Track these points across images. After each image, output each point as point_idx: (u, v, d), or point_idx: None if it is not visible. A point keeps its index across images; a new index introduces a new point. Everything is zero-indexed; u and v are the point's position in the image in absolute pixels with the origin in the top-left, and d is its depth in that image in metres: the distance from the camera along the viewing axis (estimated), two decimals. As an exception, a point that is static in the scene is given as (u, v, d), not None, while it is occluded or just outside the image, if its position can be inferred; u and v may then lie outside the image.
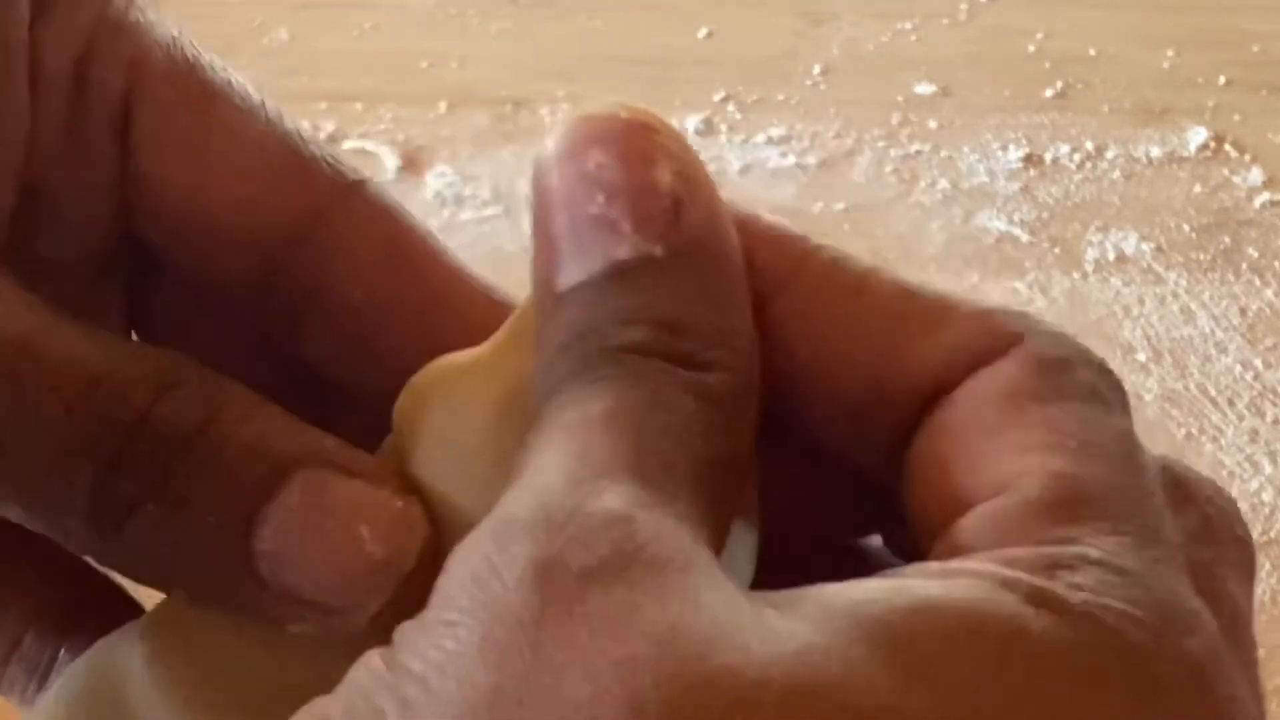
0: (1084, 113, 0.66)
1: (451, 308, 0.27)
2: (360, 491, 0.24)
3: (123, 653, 0.26)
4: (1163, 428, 0.53)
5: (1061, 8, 0.72)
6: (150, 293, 0.26)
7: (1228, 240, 0.59)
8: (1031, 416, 0.22)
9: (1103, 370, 0.22)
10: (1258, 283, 0.57)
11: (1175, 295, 0.57)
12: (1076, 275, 0.58)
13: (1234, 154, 0.63)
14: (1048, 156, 0.64)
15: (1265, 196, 0.61)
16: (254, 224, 0.27)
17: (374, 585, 0.24)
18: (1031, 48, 0.70)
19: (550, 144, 0.23)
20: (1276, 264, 0.58)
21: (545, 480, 0.20)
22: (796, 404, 0.23)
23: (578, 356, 0.22)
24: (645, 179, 0.22)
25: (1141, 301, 0.57)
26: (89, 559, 0.25)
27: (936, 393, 0.22)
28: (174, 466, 0.24)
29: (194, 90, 0.27)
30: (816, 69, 0.68)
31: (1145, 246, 0.59)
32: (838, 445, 0.23)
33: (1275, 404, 0.54)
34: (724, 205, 0.23)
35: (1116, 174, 0.63)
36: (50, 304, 0.25)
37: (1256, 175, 0.62)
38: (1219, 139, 0.64)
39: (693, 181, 0.22)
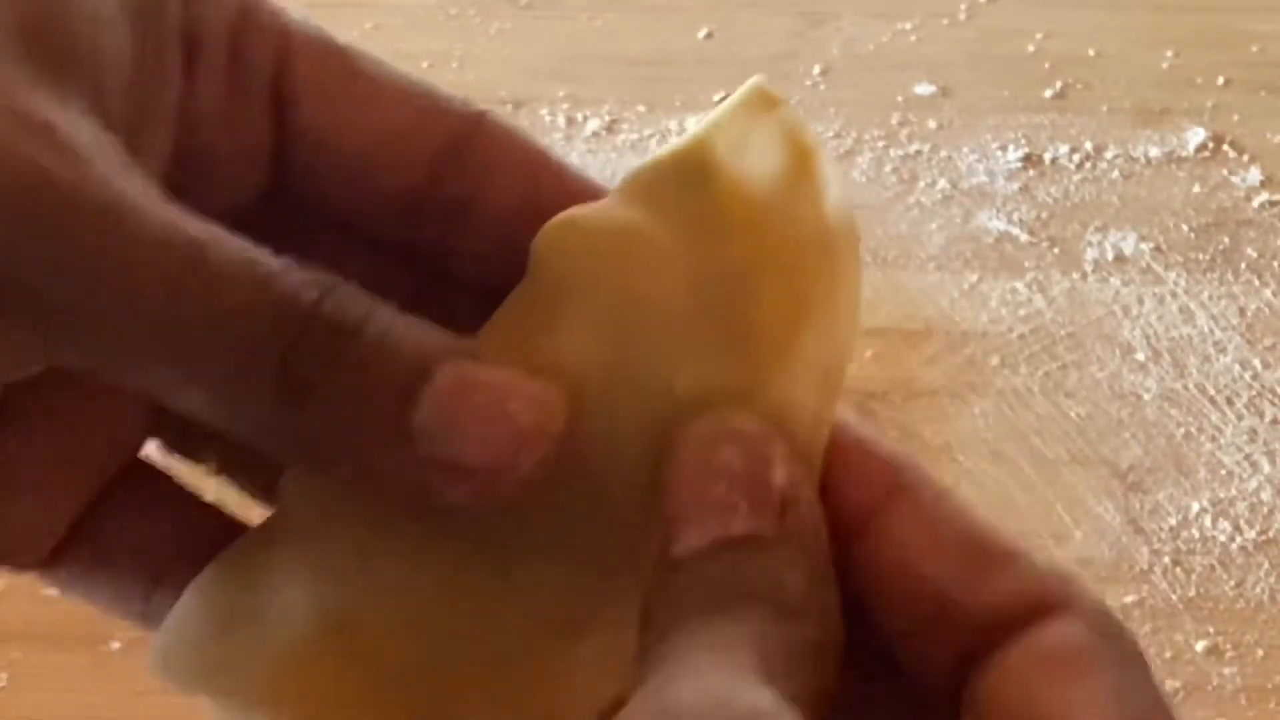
0: (1083, 113, 0.66)
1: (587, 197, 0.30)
2: (503, 374, 0.27)
3: (251, 545, 0.29)
4: (1162, 427, 0.53)
5: (1061, 8, 0.72)
6: (292, 250, 0.28)
7: (1226, 240, 0.59)
8: (1096, 677, 0.25)
9: (1132, 636, 0.26)
10: (1256, 283, 0.57)
11: (1174, 295, 0.57)
12: (1076, 275, 0.58)
13: (1233, 154, 0.63)
14: (1047, 156, 0.64)
15: (1264, 196, 0.61)
16: (405, 151, 0.30)
17: (526, 449, 0.27)
18: (1031, 48, 0.70)
19: (691, 434, 0.27)
20: (1275, 264, 0.58)
21: (703, 677, 0.24)
22: (875, 619, 0.27)
23: (702, 595, 0.26)
24: (763, 475, 0.26)
25: (1141, 301, 0.57)
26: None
27: (998, 627, 0.26)
28: (342, 354, 0.27)
29: (334, 51, 0.31)
30: (816, 69, 0.68)
31: (1144, 246, 0.59)
32: (907, 660, 0.27)
33: (1274, 403, 0.54)
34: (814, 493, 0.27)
35: (1116, 174, 0.63)
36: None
37: (1255, 175, 0.62)
38: (1218, 139, 0.64)
39: (798, 486, 0.27)
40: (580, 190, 0.30)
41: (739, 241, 0.27)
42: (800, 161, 0.28)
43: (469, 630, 0.28)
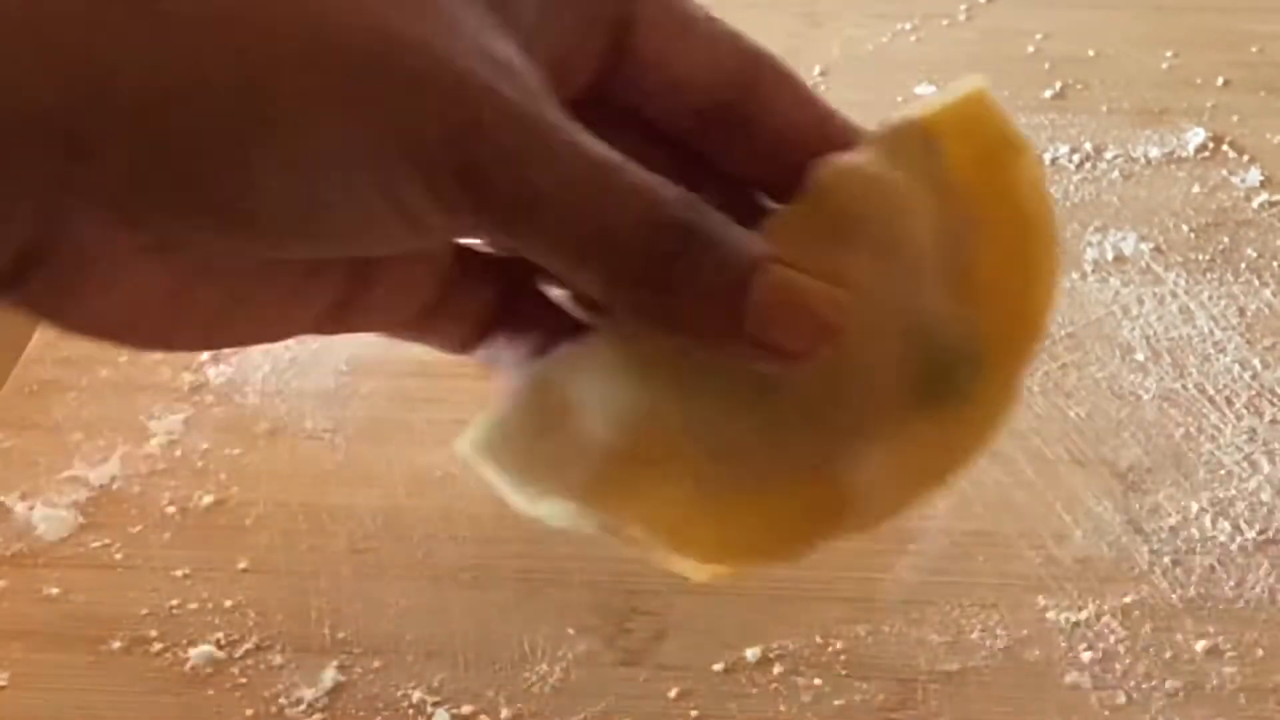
0: (1083, 113, 0.66)
1: (840, 132, 0.39)
2: (810, 281, 0.37)
3: (570, 360, 0.38)
4: (1161, 427, 0.53)
5: (1060, 9, 0.72)
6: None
7: (1226, 240, 0.59)
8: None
9: None
10: (1256, 283, 0.57)
11: (1174, 295, 0.57)
12: (1075, 275, 0.58)
13: (1232, 154, 0.64)
14: (1047, 157, 0.64)
15: (1263, 197, 0.61)
16: (714, 79, 0.40)
17: (822, 339, 0.37)
18: (1030, 48, 0.70)
19: None
20: (1275, 264, 0.58)
21: None
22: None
23: None
24: None
25: (1140, 301, 0.57)
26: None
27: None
28: (701, 258, 0.36)
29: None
30: (816, 69, 0.69)
31: (1144, 246, 0.59)
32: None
33: (1273, 403, 0.54)
34: None
35: (1115, 174, 0.63)
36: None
37: (1255, 175, 0.62)
38: (1217, 139, 0.64)
39: None
40: (839, 128, 0.39)
41: (965, 203, 0.37)
42: (1012, 153, 0.38)
43: (753, 439, 0.37)
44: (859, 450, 0.38)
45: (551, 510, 0.38)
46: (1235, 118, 0.65)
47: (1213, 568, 0.49)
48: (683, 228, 0.37)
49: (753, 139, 0.40)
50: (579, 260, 0.37)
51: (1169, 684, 0.46)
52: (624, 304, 0.38)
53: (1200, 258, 0.59)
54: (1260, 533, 0.50)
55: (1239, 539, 0.50)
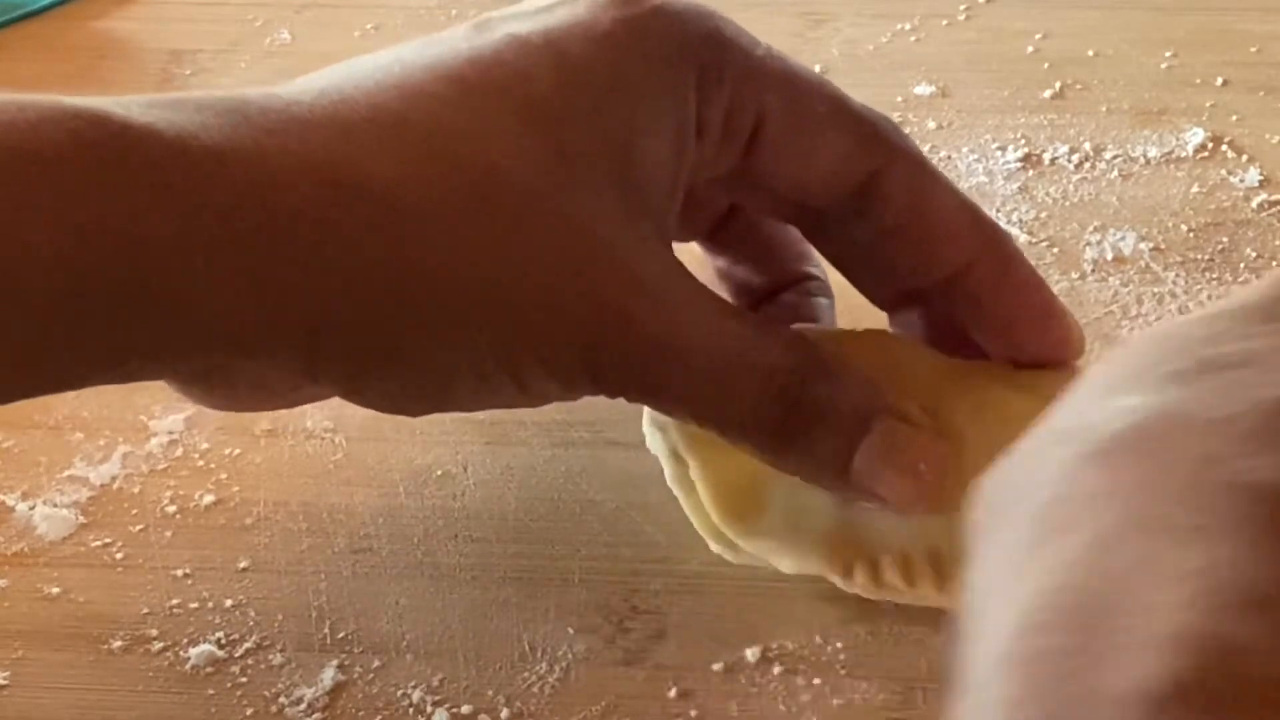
0: (1082, 113, 0.66)
1: (959, 228, 0.46)
2: (918, 437, 0.43)
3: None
4: (1160, 427, 0.53)
5: (1060, 9, 0.72)
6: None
7: (1225, 240, 0.59)
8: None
9: None
10: (1255, 283, 0.57)
11: (1173, 295, 0.57)
12: (1075, 275, 0.58)
13: (1231, 155, 0.64)
14: (1046, 157, 0.64)
15: (1263, 196, 0.61)
16: (835, 183, 0.45)
17: (923, 496, 0.42)
18: (1030, 49, 0.70)
19: None
20: (1274, 264, 0.58)
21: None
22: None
23: None
24: None
25: (1140, 301, 0.57)
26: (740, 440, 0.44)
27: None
28: (816, 414, 0.42)
29: (794, 102, 0.44)
30: (816, 69, 0.68)
31: (1143, 246, 0.59)
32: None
33: (1272, 403, 0.54)
34: None
35: (1114, 174, 0.63)
36: (729, 305, 0.45)
37: (1254, 175, 0.62)
38: (1217, 140, 0.64)
39: None
40: (956, 210, 0.46)
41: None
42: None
43: None
44: None
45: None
46: (1234, 118, 0.65)
47: (1212, 567, 0.49)
48: (799, 403, 0.42)
49: (871, 227, 0.46)
50: (701, 423, 0.44)
51: (1168, 684, 0.46)
52: (752, 454, 0.44)
53: (1199, 257, 0.59)
54: (1259, 533, 0.50)
55: (1238, 539, 0.50)
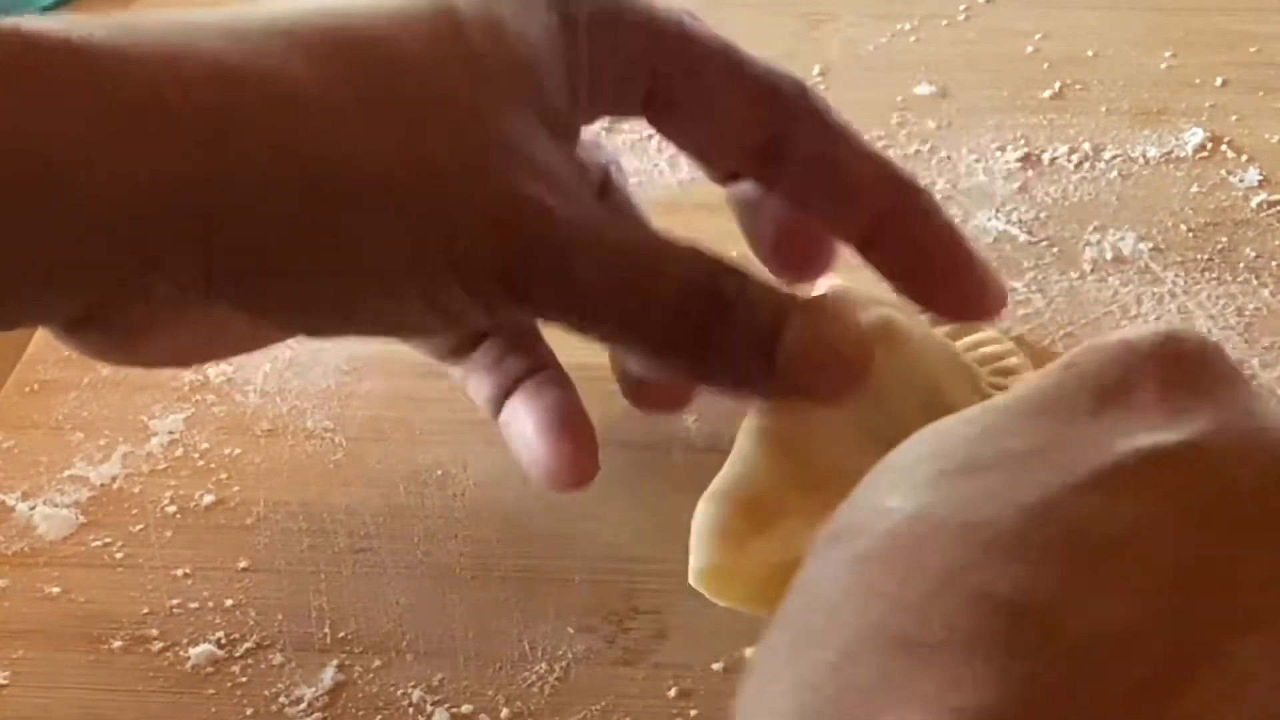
0: (1081, 113, 0.66)
1: (868, 183, 0.45)
2: (836, 322, 0.41)
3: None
4: (1160, 427, 0.53)
5: (1059, 9, 0.72)
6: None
7: (1225, 240, 0.59)
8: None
9: None
10: (1255, 283, 0.58)
11: (1173, 295, 0.57)
12: (1074, 275, 0.58)
13: (1231, 155, 0.64)
14: (1045, 157, 0.64)
15: (1262, 196, 0.61)
16: (741, 137, 0.45)
17: (850, 378, 0.41)
18: (1029, 49, 0.70)
19: None
20: (1273, 264, 0.58)
21: None
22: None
23: None
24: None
25: (1139, 301, 0.57)
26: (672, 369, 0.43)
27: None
28: (733, 318, 0.40)
29: (689, 65, 0.44)
30: (815, 70, 0.69)
31: (1143, 246, 0.59)
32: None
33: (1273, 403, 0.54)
34: None
35: (1114, 174, 0.63)
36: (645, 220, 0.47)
37: (1253, 175, 0.62)
38: (1216, 140, 0.64)
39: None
40: (862, 155, 0.45)
41: None
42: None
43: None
44: None
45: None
46: (1234, 118, 0.65)
47: (1211, 567, 0.49)
48: (716, 293, 0.40)
49: (780, 168, 0.45)
50: (622, 335, 0.41)
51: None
52: (667, 369, 0.42)
53: (1199, 257, 0.59)
54: (1259, 532, 0.50)
55: (1237, 539, 0.50)
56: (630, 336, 0.41)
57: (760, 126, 0.44)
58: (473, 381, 0.50)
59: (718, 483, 0.46)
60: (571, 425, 0.48)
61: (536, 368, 0.50)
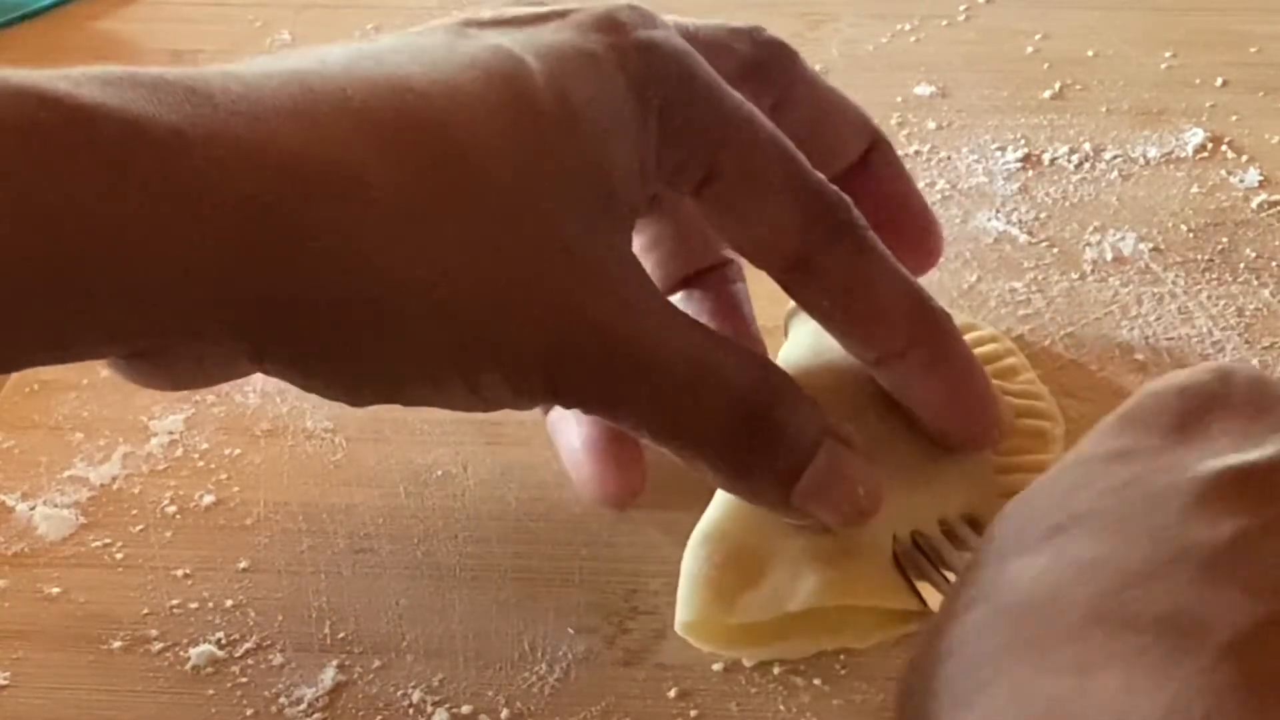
0: (1082, 114, 0.66)
1: (896, 317, 0.46)
2: (858, 462, 0.44)
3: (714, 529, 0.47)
4: (1160, 427, 0.53)
5: (1059, 9, 0.72)
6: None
7: (1225, 240, 0.59)
8: None
9: None
10: (1255, 283, 0.58)
11: (1173, 295, 0.57)
12: (1075, 275, 0.58)
13: (1231, 155, 0.64)
14: (1045, 157, 0.64)
15: (1262, 197, 0.61)
16: (781, 245, 0.45)
17: (861, 519, 0.44)
18: (1030, 49, 0.70)
19: None
20: (1273, 264, 0.58)
21: None
22: None
23: None
24: None
25: (1139, 301, 0.57)
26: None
27: None
28: (770, 438, 0.43)
29: (747, 163, 0.44)
30: (816, 69, 0.68)
31: (1143, 247, 0.59)
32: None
33: (1272, 403, 0.54)
34: None
35: (1114, 174, 0.63)
36: (693, 320, 0.44)
37: (1254, 176, 0.62)
38: (1216, 140, 0.64)
39: None
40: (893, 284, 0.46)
41: None
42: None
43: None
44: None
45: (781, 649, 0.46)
46: (1234, 118, 0.65)
47: (1211, 568, 0.49)
48: (769, 428, 0.43)
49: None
50: (663, 443, 0.43)
51: (1168, 684, 0.46)
52: (701, 472, 0.44)
53: (1199, 258, 0.59)
54: (1259, 533, 0.50)
55: (1238, 539, 0.50)
56: (668, 441, 0.43)
57: (800, 240, 0.45)
58: None
59: (711, 518, 0.46)
60: (617, 441, 0.49)
61: None
